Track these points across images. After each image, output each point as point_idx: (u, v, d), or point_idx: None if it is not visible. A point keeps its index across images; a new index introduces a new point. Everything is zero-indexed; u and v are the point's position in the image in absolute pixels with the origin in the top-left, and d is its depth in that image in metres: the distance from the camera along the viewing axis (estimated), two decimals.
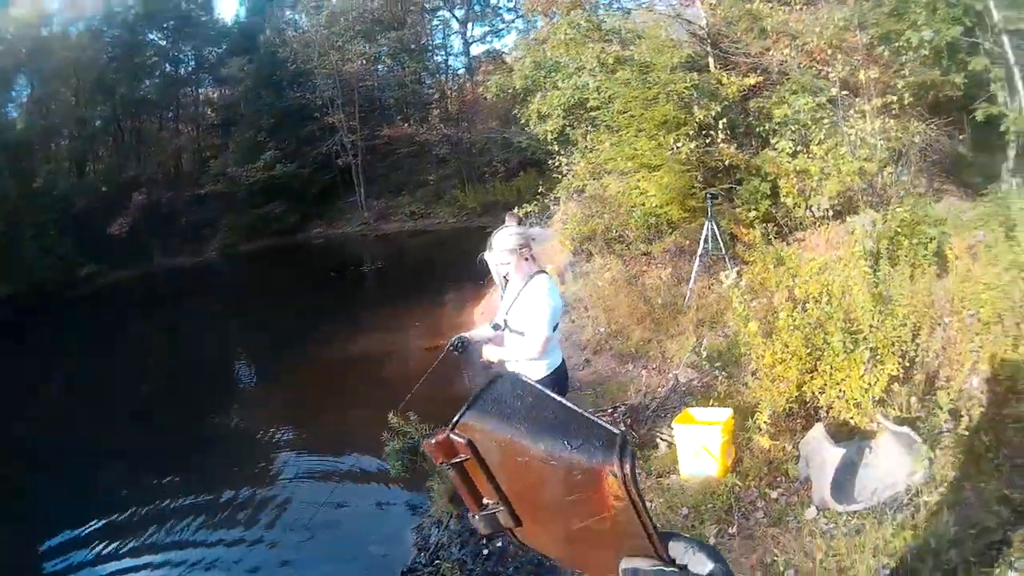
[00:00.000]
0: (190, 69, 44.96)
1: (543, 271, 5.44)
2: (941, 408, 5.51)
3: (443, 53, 48.68)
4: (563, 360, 5.74)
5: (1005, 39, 12.02)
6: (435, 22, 48.14)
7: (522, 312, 5.26)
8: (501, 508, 1.37)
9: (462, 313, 15.90)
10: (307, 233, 40.36)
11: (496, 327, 5.72)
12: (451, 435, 1.31)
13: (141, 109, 40.82)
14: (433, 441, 1.33)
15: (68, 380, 17.40)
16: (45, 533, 8.97)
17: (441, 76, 48.29)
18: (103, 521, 9.03)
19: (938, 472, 5.57)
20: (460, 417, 1.32)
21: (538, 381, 4.74)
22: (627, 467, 1.18)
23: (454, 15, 47.35)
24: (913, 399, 6.34)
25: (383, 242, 36.40)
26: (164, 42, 42.49)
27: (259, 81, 40.69)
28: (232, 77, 41.54)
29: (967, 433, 5.65)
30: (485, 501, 1.40)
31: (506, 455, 1.30)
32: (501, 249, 5.24)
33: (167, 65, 43.37)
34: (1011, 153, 13.05)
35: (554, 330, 5.35)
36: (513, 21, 45.23)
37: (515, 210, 14.51)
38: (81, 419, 13.40)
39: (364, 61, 43.34)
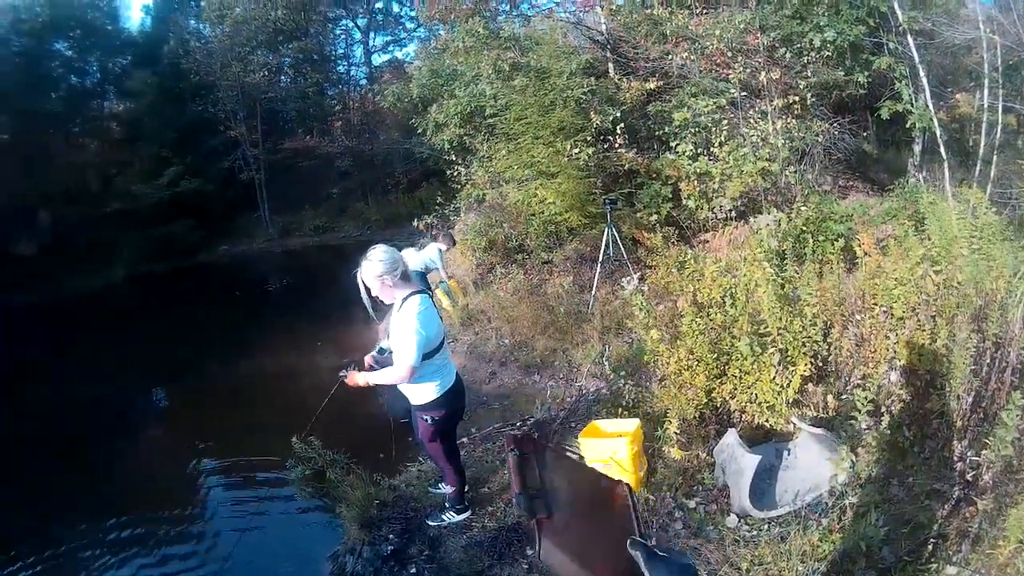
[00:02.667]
0: (95, 81, 43.08)
1: (417, 292, 5.18)
2: (860, 407, 5.30)
3: (345, 63, 48.00)
4: (457, 379, 5.57)
5: (909, 39, 12.26)
6: (337, 31, 47.41)
7: (394, 336, 5.06)
8: (539, 498, 1.95)
9: (369, 330, 15.47)
10: (213, 251, 38.92)
11: (381, 351, 5.54)
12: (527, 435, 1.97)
13: (46, 122, 39.28)
14: (513, 434, 1.98)
15: None
16: None
17: (343, 87, 47.61)
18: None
19: (862, 471, 5.42)
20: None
21: (429, 403, 5.35)
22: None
23: (356, 24, 46.72)
24: (829, 398, 6.22)
25: (288, 258, 35.42)
26: (70, 52, 40.11)
27: (162, 94, 38.69)
28: (136, 90, 39.54)
29: (889, 431, 5.54)
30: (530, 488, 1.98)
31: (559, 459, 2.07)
32: (365, 275, 5.07)
33: (72, 77, 41.11)
34: (916, 148, 13.57)
35: (438, 351, 5.22)
36: (415, 30, 44.54)
37: (417, 222, 14.10)
38: None
39: (267, 72, 42.15)
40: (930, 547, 4.77)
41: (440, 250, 12.48)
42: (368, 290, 5.15)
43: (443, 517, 6.08)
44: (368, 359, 5.67)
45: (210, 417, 11.89)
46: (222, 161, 39.51)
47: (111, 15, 41.93)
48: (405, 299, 5.07)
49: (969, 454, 5.21)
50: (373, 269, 5.01)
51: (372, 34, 46.55)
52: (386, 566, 5.83)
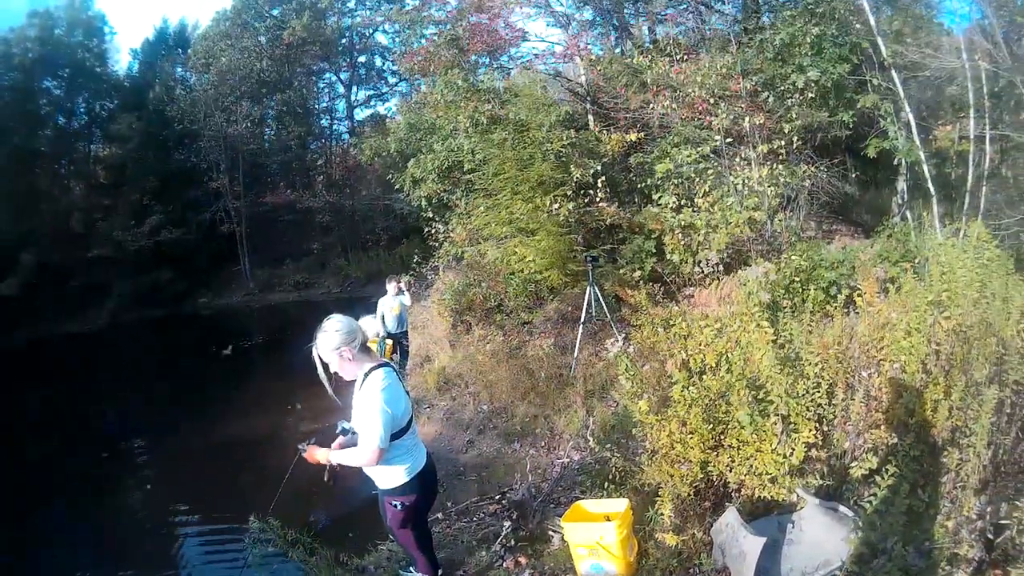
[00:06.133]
0: (82, 123, 42.81)
1: (380, 366, 4.70)
2: (874, 473, 5.01)
3: (328, 117, 48.24)
4: (428, 459, 5.13)
5: (894, 73, 12.06)
6: (321, 85, 47.76)
7: (357, 416, 4.62)
8: None
9: (346, 394, 15.00)
10: (194, 302, 39.09)
11: (344, 432, 5.01)
12: None
13: (34, 161, 38.93)
14: None
15: None
16: None
17: (326, 141, 47.82)
18: None
19: (877, 542, 4.90)
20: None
21: (398, 487, 4.86)
22: None
23: (339, 78, 47.02)
24: (834, 461, 5.78)
25: (268, 313, 35.32)
26: (58, 91, 40.17)
27: (146, 140, 39.03)
28: (121, 134, 39.42)
29: (905, 496, 4.97)
30: None
31: None
32: (321, 349, 4.64)
33: (60, 117, 41.09)
34: (901, 186, 13.36)
35: (406, 430, 4.76)
36: (397, 84, 44.92)
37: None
38: None
39: (249, 123, 42.33)
40: None
41: (404, 305, 12.30)
42: (326, 366, 4.70)
43: None
44: (337, 441, 5.14)
45: (180, 479, 11.65)
46: (204, 212, 39.78)
47: (100, 57, 42.54)
48: (367, 374, 4.61)
49: (988, 510, 4.87)
50: (329, 342, 4.60)
51: (355, 88, 47.01)
52: None
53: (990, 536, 4.76)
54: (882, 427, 5.73)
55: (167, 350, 28.11)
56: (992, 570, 4.60)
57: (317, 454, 4.89)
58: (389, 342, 12.43)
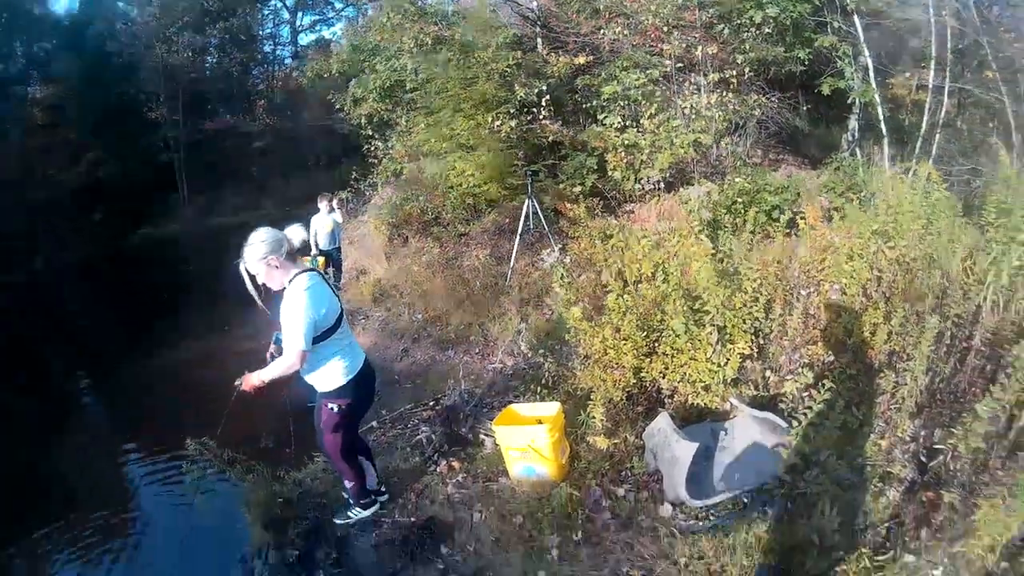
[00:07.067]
0: (20, 67, 41.45)
1: (305, 271, 4.62)
2: (810, 388, 5.08)
3: (271, 43, 47.43)
4: (366, 363, 5.04)
5: (856, 19, 12.16)
6: (266, 11, 46.72)
7: (282, 321, 4.52)
8: None
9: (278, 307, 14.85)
10: (134, 236, 38.14)
11: (278, 341, 4.91)
12: None
13: None
14: None
15: None
16: None
17: (268, 67, 47.09)
18: None
19: (810, 455, 5.00)
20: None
21: (337, 389, 4.85)
22: None
23: (284, 4, 46.33)
24: (771, 376, 5.84)
25: (207, 238, 34.46)
26: None
27: (85, 78, 37.55)
28: (60, 75, 38.36)
29: (840, 412, 5.15)
30: None
31: None
32: (248, 262, 4.51)
33: None
34: (852, 124, 13.47)
35: (336, 329, 4.70)
36: (343, 9, 44.71)
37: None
38: None
39: (191, 53, 40.99)
40: (884, 531, 4.46)
41: (336, 222, 12.22)
42: (254, 279, 4.60)
43: (349, 514, 5.54)
44: (270, 351, 5.05)
45: (119, 416, 11.56)
46: (143, 143, 38.66)
47: None
48: (292, 279, 4.54)
49: (923, 434, 5.01)
50: (255, 252, 4.49)
51: (300, 13, 46.63)
52: (292, 573, 5.34)
53: (923, 459, 4.86)
54: (819, 344, 5.92)
55: (106, 288, 27.21)
56: (924, 492, 4.65)
57: (252, 380, 4.71)
58: (321, 259, 12.25)
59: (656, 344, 5.80)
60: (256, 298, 4.62)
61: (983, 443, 4.41)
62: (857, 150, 12.96)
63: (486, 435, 6.36)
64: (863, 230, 6.03)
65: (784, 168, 13.05)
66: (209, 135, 39.98)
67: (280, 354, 4.76)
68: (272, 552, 5.54)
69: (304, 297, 4.41)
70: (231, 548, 6.35)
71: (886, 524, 4.53)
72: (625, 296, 5.84)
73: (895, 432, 5.13)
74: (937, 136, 11.50)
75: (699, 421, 5.69)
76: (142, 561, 7.03)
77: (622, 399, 5.87)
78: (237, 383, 4.80)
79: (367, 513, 5.49)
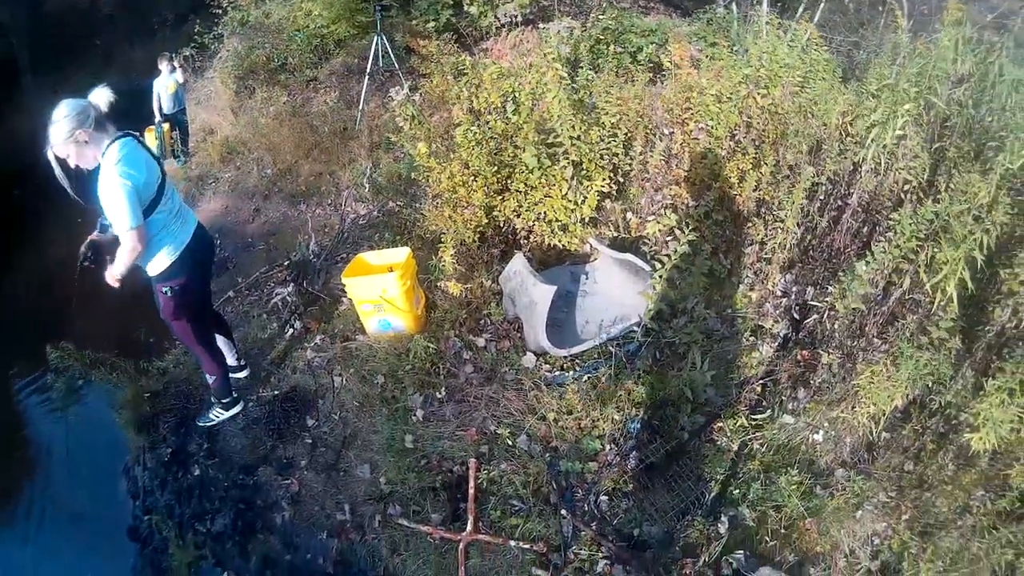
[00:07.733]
0: None
1: (117, 138, 4.06)
2: (673, 230, 5.15)
3: None
4: (198, 230, 4.64)
5: None
6: None
7: (102, 203, 4.04)
8: None
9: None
10: None
11: (103, 228, 4.36)
12: None
13: None
14: None
15: None
16: None
17: None
18: None
19: (677, 301, 5.10)
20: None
21: (165, 271, 4.39)
22: None
23: None
24: (631, 217, 5.78)
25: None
26: None
27: None
28: None
29: (707, 257, 5.18)
30: None
31: None
32: (55, 144, 3.99)
33: None
34: None
35: (159, 199, 4.22)
36: None
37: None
38: None
39: None
40: (759, 388, 4.62)
41: (179, 82, 11.72)
42: (64, 163, 4.10)
43: (211, 415, 5.36)
44: (93, 236, 4.46)
45: None
46: None
47: None
48: (104, 152, 4.02)
49: (795, 290, 5.14)
50: (60, 131, 3.95)
51: None
52: (170, 473, 5.29)
53: (796, 316, 5.00)
54: (682, 186, 5.79)
55: None
56: (799, 350, 4.75)
57: (113, 270, 4.26)
58: (166, 125, 11.62)
59: (508, 181, 5.65)
60: (67, 186, 4.15)
61: (863, 305, 4.38)
62: (734, 6, 12.49)
63: (341, 291, 6.16)
64: (733, 75, 5.76)
65: (654, 16, 12.66)
66: (49, 11, 37.65)
67: (106, 240, 4.39)
68: (148, 455, 5.48)
69: (117, 170, 3.93)
70: (114, 457, 6.07)
71: (761, 381, 4.64)
72: (474, 129, 5.57)
73: (765, 285, 5.33)
74: (822, 4, 10.94)
75: (558, 264, 5.63)
76: (35, 489, 6.40)
77: (475, 240, 5.72)
78: (87, 256, 4.40)
79: (230, 413, 5.31)
